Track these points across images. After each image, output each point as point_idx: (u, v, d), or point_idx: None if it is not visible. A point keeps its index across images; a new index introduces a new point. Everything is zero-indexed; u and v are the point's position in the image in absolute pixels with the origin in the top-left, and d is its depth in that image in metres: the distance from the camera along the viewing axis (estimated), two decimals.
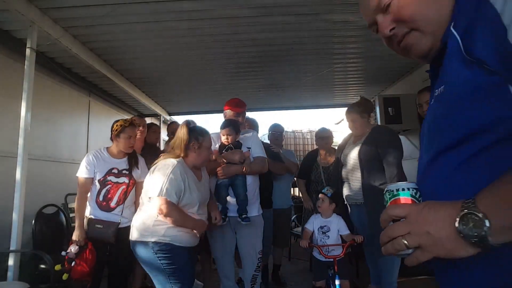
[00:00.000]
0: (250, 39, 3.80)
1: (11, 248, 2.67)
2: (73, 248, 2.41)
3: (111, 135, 2.70)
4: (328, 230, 2.68)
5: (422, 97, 2.68)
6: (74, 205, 4.20)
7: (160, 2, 2.94)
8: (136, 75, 4.90)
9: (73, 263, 2.38)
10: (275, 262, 3.73)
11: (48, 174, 4.35)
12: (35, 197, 3.30)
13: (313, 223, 2.78)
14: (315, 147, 3.90)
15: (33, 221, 3.03)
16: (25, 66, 2.90)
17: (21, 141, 2.83)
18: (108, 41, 3.76)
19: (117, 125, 2.68)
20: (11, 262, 2.67)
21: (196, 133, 2.20)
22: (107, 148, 2.71)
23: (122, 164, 2.64)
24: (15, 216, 2.71)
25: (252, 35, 3.70)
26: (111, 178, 2.58)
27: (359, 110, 2.82)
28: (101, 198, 2.55)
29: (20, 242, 2.72)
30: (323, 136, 3.73)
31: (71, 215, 4.04)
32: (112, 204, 2.56)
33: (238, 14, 3.25)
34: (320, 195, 2.78)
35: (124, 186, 2.59)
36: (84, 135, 5.47)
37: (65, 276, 2.42)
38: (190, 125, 2.24)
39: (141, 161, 2.78)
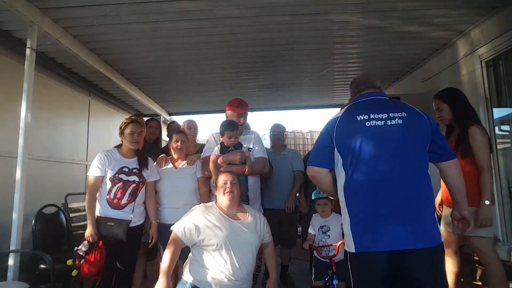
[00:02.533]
0: (250, 39, 3.80)
1: (11, 248, 2.67)
2: (83, 246, 2.41)
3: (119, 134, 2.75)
4: (328, 229, 2.68)
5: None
6: (74, 205, 4.25)
7: (160, 2, 2.94)
8: (136, 75, 4.90)
9: (82, 260, 2.38)
10: (283, 262, 3.71)
11: (48, 174, 4.35)
12: (35, 197, 3.30)
13: (314, 224, 2.78)
14: None
15: (33, 221, 3.02)
16: (25, 66, 2.89)
17: (21, 141, 2.83)
18: (108, 41, 3.76)
19: (122, 123, 2.74)
20: (11, 262, 2.67)
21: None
22: (117, 148, 2.74)
23: (132, 163, 2.67)
24: (15, 216, 2.71)
25: (252, 35, 3.70)
26: (122, 176, 2.60)
27: None
28: (112, 196, 2.56)
29: (20, 242, 2.72)
30: None
31: (71, 215, 4.04)
32: (123, 201, 2.57)
33: (238, 14, 3.25)
34: (322, 201, 2.75)
35: (134, 185, 2.62)
36: (84, 135, 5.48)
37: (74, 272, 2.41)
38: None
39: (151, 162, 2.81)
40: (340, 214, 2.72)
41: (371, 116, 1.67)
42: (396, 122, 1.64)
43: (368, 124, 1.65)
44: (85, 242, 2.44)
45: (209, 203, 2.31)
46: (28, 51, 2.92)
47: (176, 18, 3.25)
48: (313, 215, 2.87)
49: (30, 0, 2.83)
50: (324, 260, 2.58)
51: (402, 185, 1.58)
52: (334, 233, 2.65)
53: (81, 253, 2.39)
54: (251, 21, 3.38)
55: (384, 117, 1.66)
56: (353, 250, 1.60)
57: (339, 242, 2.52)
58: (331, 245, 2.58)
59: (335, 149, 1.70)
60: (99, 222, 2.53)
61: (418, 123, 1.67)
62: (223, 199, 2.22)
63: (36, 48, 2.99)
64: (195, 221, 2.12)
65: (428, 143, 1.67)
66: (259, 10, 3.18)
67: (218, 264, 2.05)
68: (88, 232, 2.47)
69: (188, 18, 3.25)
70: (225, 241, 2.07)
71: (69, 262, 2.44)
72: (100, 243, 2.46)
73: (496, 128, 3.49)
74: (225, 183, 2.25)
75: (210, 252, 2.08)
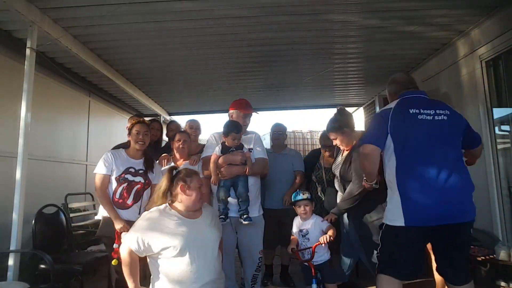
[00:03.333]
0: (250, 39, 3.80)
1: (11, 248, 2.67)
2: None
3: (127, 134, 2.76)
4: (307, 232, 2.63)
5: None
6: (74, 205, 4.25)
7: (160, 2, 2.94)
8: (136, 75, 4.90)
9: None
10: (283, 262, 3.70)
11: (48, 174, 4.35)
12: (35, 197, 3.30)
13: (294, 227, 2.74)
14: (315, 147, 3.85)
15: (33, 221, 3.03)
16: (25, 66, 2.90)
17: (21, 141, 2.83)
18: (108, 41, 3.76)
19: (129, 124, 2.75)
20: (11, 262, 2.67)
21: (182, 176, 2.10)
22: (124, 149, 2.75)
23: (139, 164, 2.68)
24: (15, 216, 2.71)
25: (252, 35, 3.70)
26: (128, 176, 2.60)
27: (336, 128, 2.65)
28: (117, 196, 2.56)
29: (20, 242, 2.72)
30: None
31: (71, 215, 4.04)
32: (128, 201, 2.58)
33: (238, 14, 3.25)
34: (302, 202, 2.67)
35: (139, 185, 2.62)
36: (84, 135, 5.47)
37: (115, 262, 2.34)
38: (172, 172, 2.15)
39: (156, 164, 2.83)
40: (319, 216, 2.77)
41: (421, 111, 2.00)
42: (442, 118, 2.01)
43: (420, 117, 1.99)
44: (124, 232, 2.34)
45: (162, 206, 2.07)
46: (28, 51, 2.91)
47: (176, 18, 3.24)
48: (295, 217, 2.80)
49: (30, 0, 2.83)
50: (305, 264, 2.56)
51: (446, 169, 1.90)
52: (313, 236, 2.60)
53: None
54: (251, 21, 3.38)
55: (432, 113, 2.01)
56: (402, 224, 1.88)
57: (314, 245, 2.51)
58: (311, 247, 2.55)
59: (389, 135, 1.99)
60: (108, 223, 2.52)
61: (457, 120, 2.06)
62: (190, 203, 2.04)
63: (36, 48, 2.99)
64: (150, 230, 1.92)
65: (461, 135, 2.05)
66: (259, 10, 3.18)
67: (183, 272, 1.89)
68: (119, 225, 2.44)
69: (188, 18, 3.25)
70: (188, 243, 1.90)
71: (115, 262, 2.36)
72: None
73: (496, 128, 3.49)
74: (200, 187, 2.07)
75: (172, 260, 1.90)
